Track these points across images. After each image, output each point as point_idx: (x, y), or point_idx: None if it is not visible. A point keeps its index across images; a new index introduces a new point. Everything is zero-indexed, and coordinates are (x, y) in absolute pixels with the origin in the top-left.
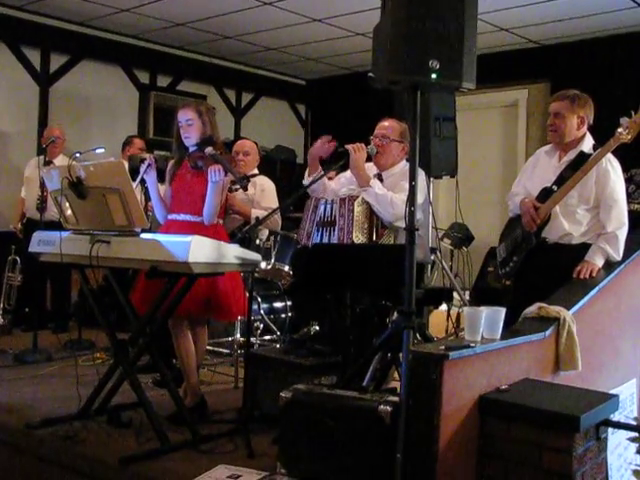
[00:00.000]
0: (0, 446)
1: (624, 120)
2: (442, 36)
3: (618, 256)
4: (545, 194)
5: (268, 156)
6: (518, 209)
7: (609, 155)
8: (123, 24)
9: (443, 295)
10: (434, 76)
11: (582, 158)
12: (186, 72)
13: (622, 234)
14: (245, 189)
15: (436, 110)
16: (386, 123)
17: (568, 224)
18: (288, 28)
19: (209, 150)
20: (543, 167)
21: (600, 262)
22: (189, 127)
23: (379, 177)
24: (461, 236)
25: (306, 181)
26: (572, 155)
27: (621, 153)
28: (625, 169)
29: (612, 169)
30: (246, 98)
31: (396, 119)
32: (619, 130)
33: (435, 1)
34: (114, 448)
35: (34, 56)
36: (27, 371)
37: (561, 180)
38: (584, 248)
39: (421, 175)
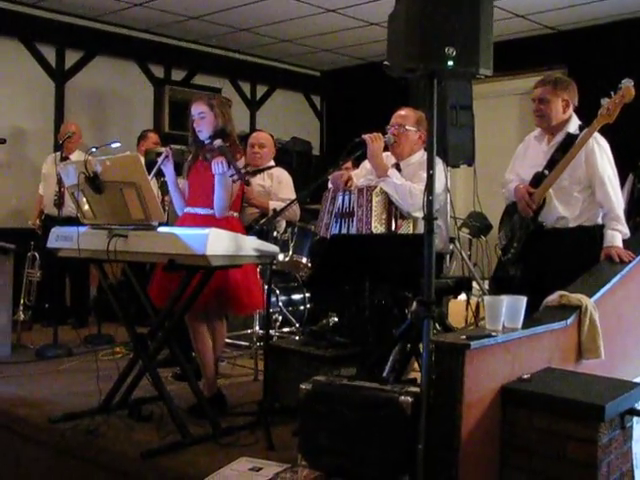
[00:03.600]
0: (22, 440)
1: (604, 101)
2: (458, 23)
3: (628, 232)
4: (537, 179)
5: (284, 148)
6: (513, 196)
7: (596, 134)
8: (137, 19)
9: (462, 285)
10: (450, 63)
11: (569, 139)
12: (201, 65)
13: (622, 210)
14: (247, 184)
15: (453, 98)
16: (402, 112)
17: (562, 207)
18: (302, 19)
19: (217, 142)
20: (533, 152)
21: (621, 243)
22: (201, 120)
23: (397, 167)
24: (479, 225)
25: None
26: (560, 137)
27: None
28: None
29: (598, 147)
30: (261, 90)
31: (412, 108)
32: (601, 111)
33: None
34: (135, 442)
35: (49, 53)
36: (48, 366)
37: (551, 163)
38: (582, 231)
39: (439, 165)
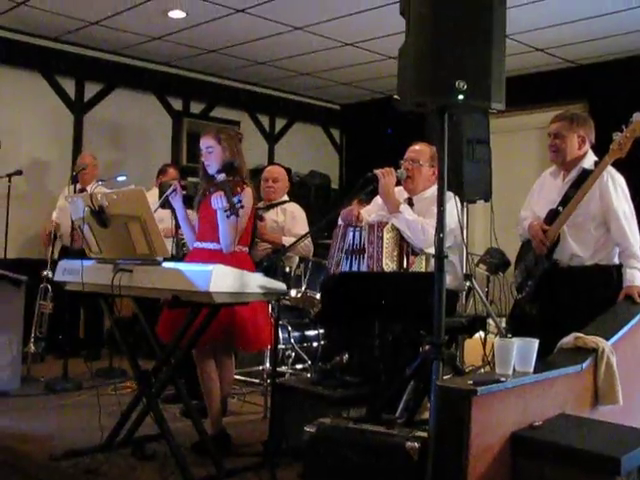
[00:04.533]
0: (22, 478)
1: (617, 135)
2: (469, 56)
3: None
4: (552, 216)
5: (302, 182)
6: (528, 233)
7: (610, 169)
8: (156, 52)
9: (476, 323)
10: (461, 97)
11: (584, 175)
12: (219, 98)
13: (639, 247)
14: (259, 219)
15: (469, 133)
16: (417, 147)
17: (576, 245)
18: (320, 53)
19: (220, 177)
20: (548, 188)
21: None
22: (209, 155)
23: (409, 202)
24: (497, 262)
25: None
26: (574, 173)
27: None
28: None
29: (613, 182)
30: (280, 124)
31: (428, 143)
32: (612, 146)
33: (461, 20)
34: None
35: (69, 85)
36: (56, 400)
37: (566, 200)
38: (597, 270)
39: (452, 200)
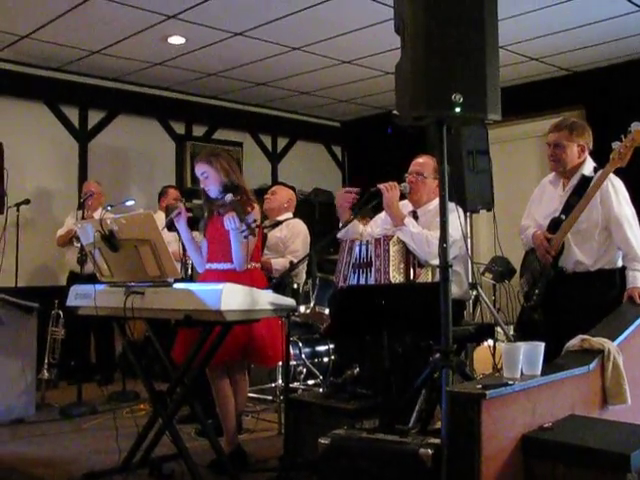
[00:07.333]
0: None
1: (616, 144)
2: (464, 69)
3: None
4: (555, 224)
5: (306, 199)
6: (532, 242)
7: (610, 175)
8: (157, 77)
9: (484, 331)
10: (458, 110)
11: (584, 182)
12: (221, 121)
13: None
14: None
15: (469, 144)
16: (420, 160)
17: (580, 252)
18: (319, 71)
19: (228, 197)
20: (549, 197)
21: None
22: (206, 180)
23: (414, 215)
24: (502, 270)
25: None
26: (574, 181)
27: None
28: None
29: (613, 188)
30: (282, 143)
31: (431, 155)
32: (613, 155)
33: (454, 34)
34: None
35: (72, 114)
36: (72, 424)
37: (568, 207)
38: (602, 275)
39: (455, 211)
